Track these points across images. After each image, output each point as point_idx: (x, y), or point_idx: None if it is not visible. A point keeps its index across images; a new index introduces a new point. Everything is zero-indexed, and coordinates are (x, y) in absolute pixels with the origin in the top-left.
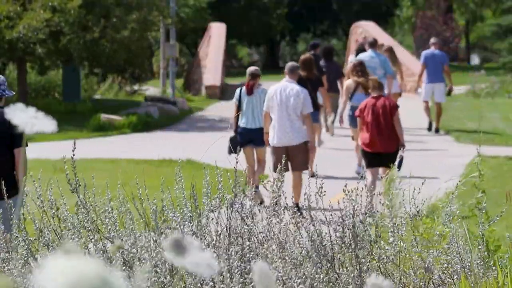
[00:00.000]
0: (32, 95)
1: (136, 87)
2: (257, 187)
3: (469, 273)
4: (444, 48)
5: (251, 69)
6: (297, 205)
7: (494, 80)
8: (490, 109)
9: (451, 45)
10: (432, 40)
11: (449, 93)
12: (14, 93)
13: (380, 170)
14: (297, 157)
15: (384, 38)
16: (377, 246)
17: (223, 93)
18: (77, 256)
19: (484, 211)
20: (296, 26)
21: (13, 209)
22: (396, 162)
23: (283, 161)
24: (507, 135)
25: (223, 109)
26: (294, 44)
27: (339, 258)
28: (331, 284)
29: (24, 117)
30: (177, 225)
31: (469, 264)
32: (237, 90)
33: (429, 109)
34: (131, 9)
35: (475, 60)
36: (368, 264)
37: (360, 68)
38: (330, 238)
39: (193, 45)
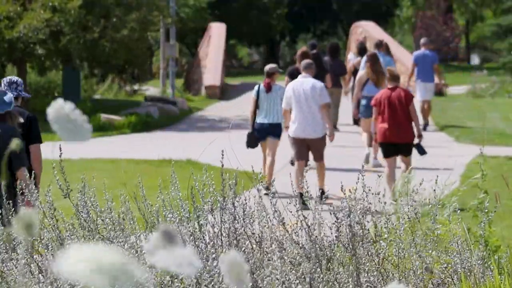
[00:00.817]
0: (32, 95)
1: (136, 87)
2: (267, 187)
3: (469, 273)
4: (443, 48)
5: (268, 67)
6: (322, 191)
7: (494, 80)
8: (490, 109)
9: (451, 45)
10: (422, 40)
11: (440, 91)
12: (31, 95)
13: (398, 159)
14: (318, 149)
15: (384, 38)
16: (375, 246)
17: (223, 93)
18: (97, 245)
19: (485, 211)
20: (296, 26)
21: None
22: (417, 151)
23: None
24: (507, 135)
25: (223, 109)
26: (294, 44)
27: (338, 258)
28: (330, 283)
29: (61, 121)
30: (175, 225)
31: (469, 264)
32: (256, 87)
33: (427, 110)
34: (131, 9)
35: (475, 60)
36: (368, 264)
37: (372, 60)
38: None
39: (193, 45)
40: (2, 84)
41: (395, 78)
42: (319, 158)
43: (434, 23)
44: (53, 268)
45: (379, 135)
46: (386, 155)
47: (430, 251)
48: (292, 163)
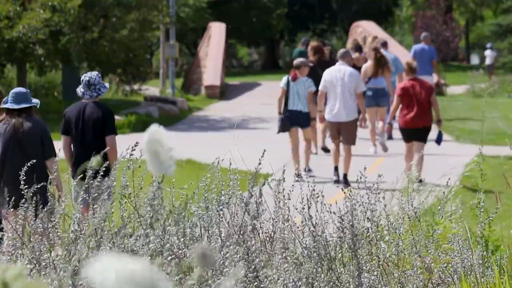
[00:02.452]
0: (32, 94)
1: (135, 87)
2: (308, 169)
3: (469, 272)
4: (443, 48)
5: (297, 60)
6: (345, 175)
7: (494, 79)
8: (490, 109)
9: (451, 45)
10: (422, 36)
11: (437, 85)
12: (108, 88)
13: (415, 145)
14: (348, 133)
15: (385, 38)
16: (376, 246)
17: (223, 93)
18: (127, 256)
19: (482, 210)
20: (295, 25)
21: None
22: (436, 137)
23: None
24: (507, 135)
25: (223, 109)
26: (293, 44)
27: (340, 258)
28: (331, 284)
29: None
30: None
31: (469, 264)
32: (284, 78)
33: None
34: (131, 8)
35: (475, 59)
36: (369, 264)
37: (377, 53)
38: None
39: (193, 45)
40: (82, 85)
41: (413, 70)
42: (348, 141)
43: (434, 23)
44: (85, 274)
45: (403, 121)
46: (407, 139)
47: (430, 251)
48: (324, 150)
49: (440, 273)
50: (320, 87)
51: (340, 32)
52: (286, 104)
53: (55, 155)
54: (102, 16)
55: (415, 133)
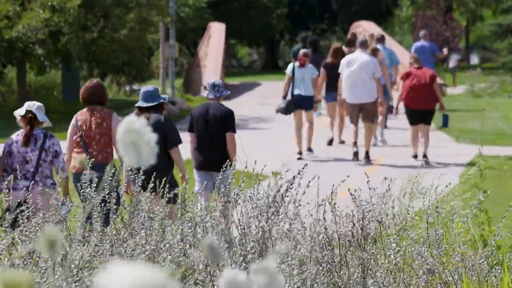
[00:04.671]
0: (32, 94)
1: (135, 86)
2: (310, 149)
3: (471, 272)
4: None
5: (305, 50)
6: (367, 152)
7: (493, 80)
8: (490, 109)
9: (451, 45)
10: (421, 33)
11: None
12: (229, 92)
13: (422, 128)
14: (369, 112)
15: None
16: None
17: None
18: (139, 263)
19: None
20: (295, 25)
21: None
22: (442, 121)
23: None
24: (507, 135)
25: None
26: (293, 44)
27: (345, 258)
28: (331, 285)
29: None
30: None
31: (471, 264)
32: (290, 65)
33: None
34: (130, 8)
35: (474, 60)
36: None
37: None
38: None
39: (192, 45)
40: (208, 87)
41: (418, 61)
42: (369, 119)
43: (434, 23)
44: (96, 283)
45: (411, 103)
46: (412, 122)
47: (432, 252)
48: (330, 144)
49: (442, 273)
50: (340, 70)
51: (340, 32)
52: (292, 89)
53: (176, 144)
54: (102, 16)
55: (422, 115)
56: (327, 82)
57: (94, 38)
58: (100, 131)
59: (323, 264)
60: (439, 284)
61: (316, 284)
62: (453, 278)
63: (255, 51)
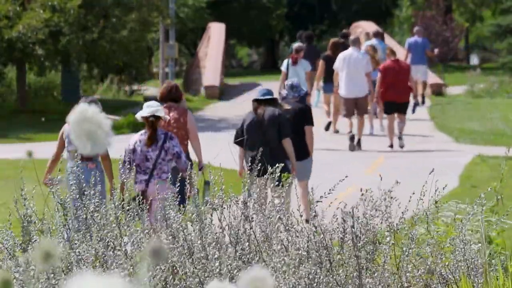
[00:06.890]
0: (32, 95)
1: (135, 87)
2: None
3: (472, 272)
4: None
5: (296, 45)
6: (358, 140)
7: (493, 80)
8: (489, 109)
9: (451, 45)
10: (415, 29)
11: (433, 50)
12: (306, 90)
13: (399, 117)
14: (362, 105)
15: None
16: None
17: (222, 93)
18: (105, 276)
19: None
20: (295, 26)
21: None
22: (412, 107)
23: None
24: (507, 135)
25: (222, 109)
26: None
27: (341, 258)
28: (330, 285)
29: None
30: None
31: (473, 264)
32: (285, 61)
33: (423, 89)
34: (131, 9)
35: (474, 60)
36: (369, 265)
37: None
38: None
39: (192, 45)
40: (286, 88)
41: (394, 53)
42: (362, 113)
43: (433, 23)
44: None
45: (388, 95)
46: (388, 112)
47: (430, 253)
48: (327, 129)
49: (441, 273)
50: (335, 67)
51: (340, 32)
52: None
53: (289, 135)
54: (102, 16)
55: (398, 106)
56: (325, 74)
57: (94, 39)
58: (177, 126)
59: (321, 263)
60: (439, 284)
61: (315, 284)
62: (454, 277)
63: (254, 52)
